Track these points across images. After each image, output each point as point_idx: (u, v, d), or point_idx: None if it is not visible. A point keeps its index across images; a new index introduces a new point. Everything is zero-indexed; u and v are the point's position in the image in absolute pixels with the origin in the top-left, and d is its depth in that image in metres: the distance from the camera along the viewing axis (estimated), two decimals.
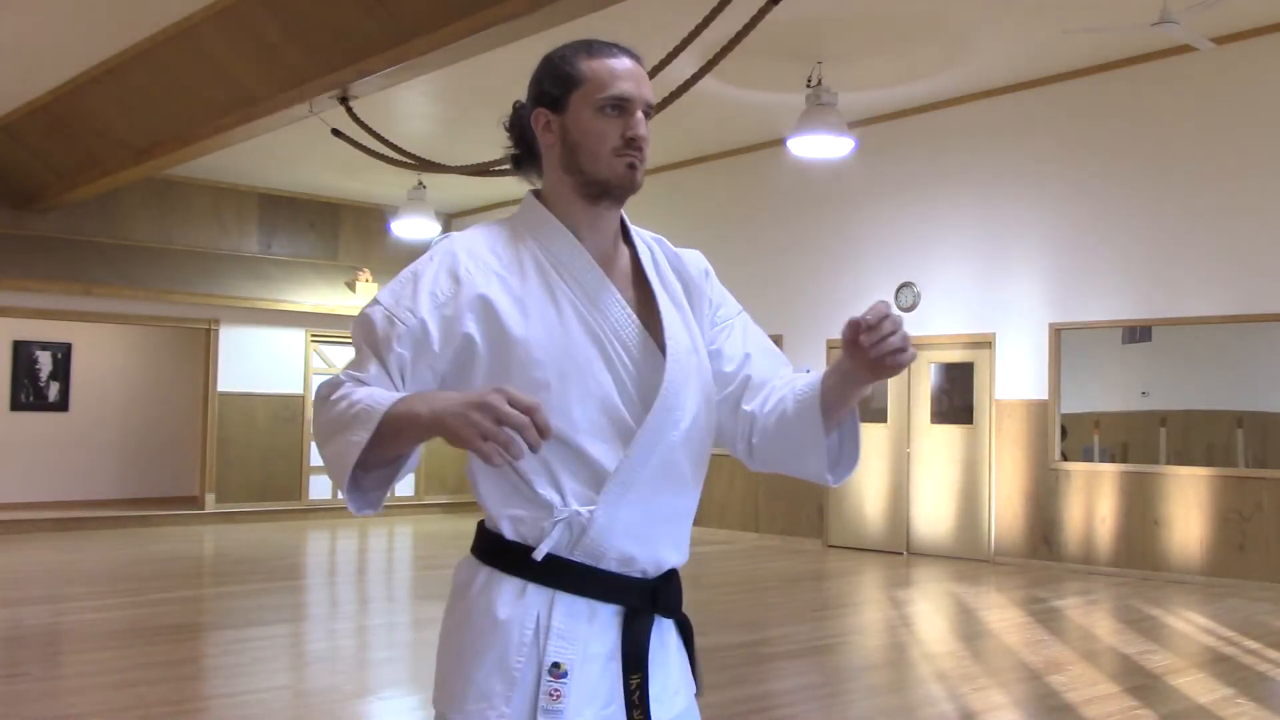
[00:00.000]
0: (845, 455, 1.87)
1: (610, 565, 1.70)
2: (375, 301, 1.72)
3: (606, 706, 1.68)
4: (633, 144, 1.74)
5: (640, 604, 1.73)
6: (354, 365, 1.69)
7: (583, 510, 1.67)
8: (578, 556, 1.68)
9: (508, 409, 1.46)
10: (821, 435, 1.80)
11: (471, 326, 1.68)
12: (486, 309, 1.68)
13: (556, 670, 1.65)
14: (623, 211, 1.86)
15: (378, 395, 1.60)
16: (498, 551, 1.72)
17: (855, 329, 1.65)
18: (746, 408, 1.87)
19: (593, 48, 1.77)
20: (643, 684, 1.69)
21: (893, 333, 1.63)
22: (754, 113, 10.98)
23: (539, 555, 1.66)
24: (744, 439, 1.88)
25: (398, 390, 1.65)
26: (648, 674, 1.70)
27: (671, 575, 1.78)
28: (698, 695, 1.86)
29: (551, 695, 1.65)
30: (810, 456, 1.82)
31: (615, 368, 1.72)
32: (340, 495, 1.68)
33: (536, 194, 1.83)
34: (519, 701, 1.66)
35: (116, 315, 13.21)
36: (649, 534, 1.72)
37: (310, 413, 14.17)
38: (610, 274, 1.78)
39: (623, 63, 1.76)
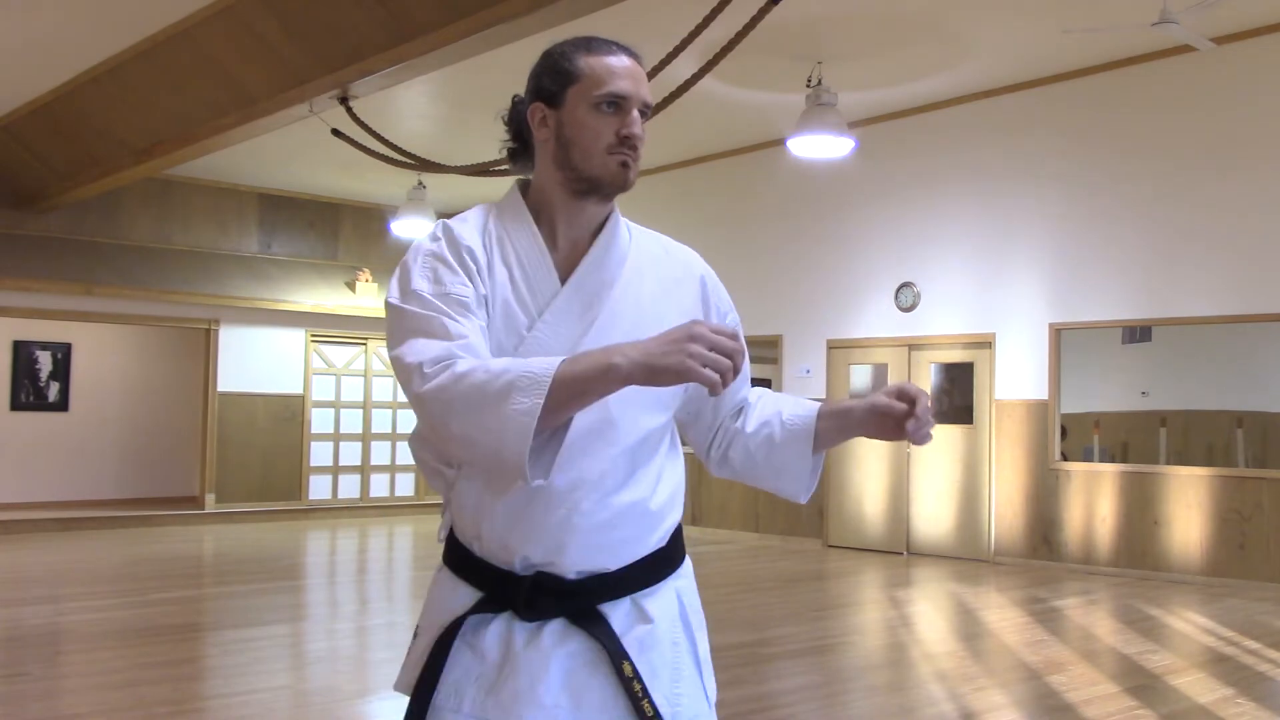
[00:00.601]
0: (813, 478, 1.92)
1: (472, 546, 1.77)
2: (410, 286, 1.69)
3: (415, 670, 1.78)
4: (627, 142, 1.74)
5: (494, 594, 1.74)
6: (441, 335, 1.61)
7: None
8: (455, 532, 1.81)
9: (719, 337, 1.50)
10: (808, 465, 1.88)
11: (485, 289, 1.73)
12: (486, 280, 1.74)
13: (416, 630, 1.84)
14: (616, 206, 1.85)
15: (528, 362, 1.55)
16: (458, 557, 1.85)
17: (903, 415, 1.75)
18: (734, 425, 1.92)
19: (592, 45, 1.78)
20: (438, 656, 1.75)
21: (930, 422, 1.76)
22: (754, 113, 10.98)
23: (440, 535, 1.85)
24: (719, 449, 1.93)
25: (478, 340, 1.64)
26: (450, 647, 1.75)
27: (543, 576, 1.71)
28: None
29: (408, 651, 1.83)
30: (789, 479, 1.90)
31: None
32: (506, 469, 1.56)
33: (524, 186, 1.84)
34: (407, 665, 1.82)
35: (116, 315, 13.21)
36: (496, 521, 1.72)
37: (311, 413, 14.22)
38: (574, 265, 1.78)
39: (621, 61, 1.76)
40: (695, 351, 1.48)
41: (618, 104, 1.74)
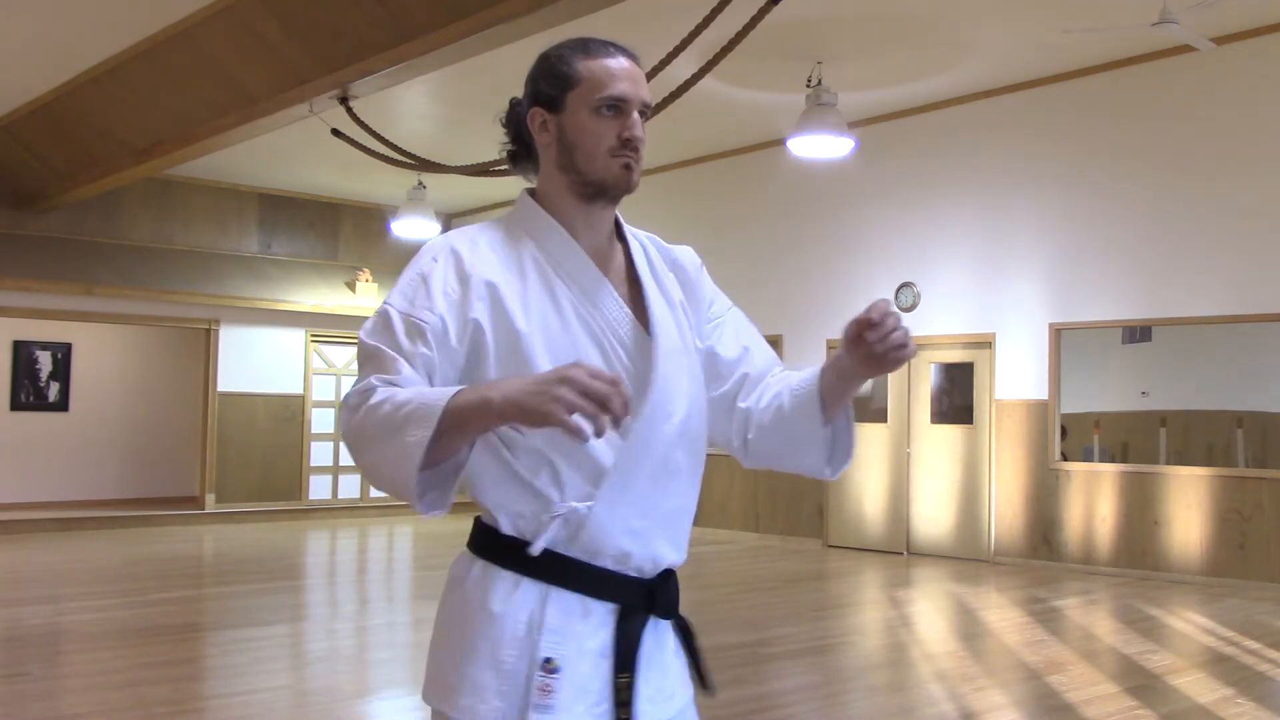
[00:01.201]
0: (840, 449, 1.88)
1: (606, 562, 1.70)
2: (387, 305, 1.69)
3: (598, 705, 1.68)
4: (629, 144, 1.74)
5: (635, 602, 1.73)
6: (378, 369, 1.63)
7: (580, 506, 1.67)
8: (574, 552, 1.69)
9: (591, 381, 1.44)
10: (820, 430, 1.82)
11: (482, 318, 1.68)
12: (494, 304, 1.69)
13: (549, 665, 1.65)
14: (617, 210, 1.86)
15: (428, 393, 1.56)
16: (493, 546, 1.72)
17: (859, 326, 1.68)
18: (742, 405, 1.88)
19: (590, 47, 1.77)
20: (631, 683, 1.69)
21: (895, 329, 1.67)
22: (754, 113, 10.98)
23: (535, 550, 1.66)
24: (739, 436, 1.89)
25: (419, 369, 1.64)
26: (636, 674, 1.70)
27: (669, 575, 1.78)
28: (710, 696, 1.86)
29: (542, 690, 1.64)
30: (808, 451, 1.85)
31: (613, 364, 1.73)
32: (404, 498, 1.59)
33: (532, 193, 1.83)
34: (510, 695, 1.65)
35: (116, 315, 13.21)
36: (646, 531, 1.72)
37: (311, 413, 14.21)
38: (605, 272, 1.78)
39: (620, 62, 1.76)
40: (561, 395, 1.44)
41: (618, 107, 1.74)
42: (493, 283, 1.69)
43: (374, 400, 1.59)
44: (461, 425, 1.53)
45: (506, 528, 1.71)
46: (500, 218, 1.83)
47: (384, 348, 1.65)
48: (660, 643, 1.78)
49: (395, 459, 1.54)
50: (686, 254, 1.94)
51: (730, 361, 1.91)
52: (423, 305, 1.66)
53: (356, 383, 1.65)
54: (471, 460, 1.69)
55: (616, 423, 1.45)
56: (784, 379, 1.88)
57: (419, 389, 1.59)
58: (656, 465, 1.72)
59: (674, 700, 1.79)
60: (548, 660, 1.65)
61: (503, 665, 1.66)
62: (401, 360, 1.63)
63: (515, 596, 1.68)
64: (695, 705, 1.87)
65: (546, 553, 1.67)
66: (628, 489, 1.70)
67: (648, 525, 1.72)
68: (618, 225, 1.86)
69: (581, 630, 1.68)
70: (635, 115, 1.75)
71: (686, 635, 1.84)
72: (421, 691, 1.78)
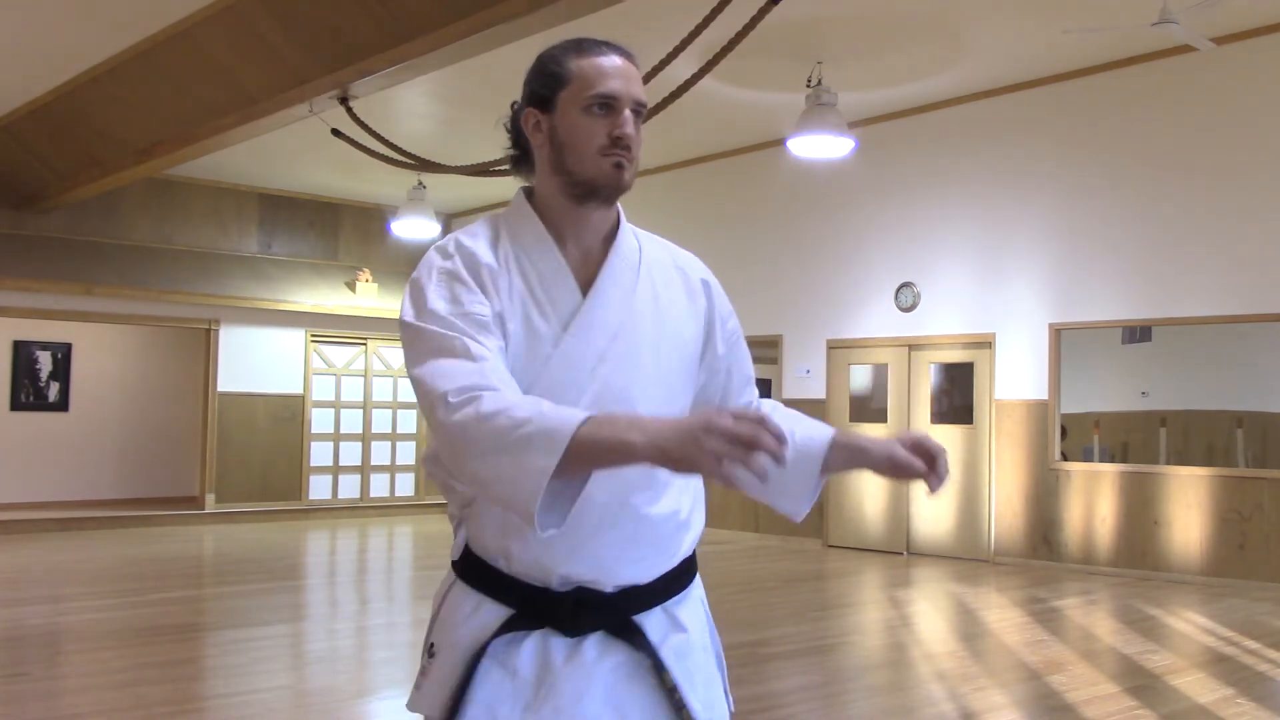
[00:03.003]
0: (812, 498, 1.92)
1: (497, 562, 1.74)
2: (431, 312, 1.65)
3: (447, 691, 1.72)
4: (619, 143, 1.72)
5: (525, 611, 1.71)
6: (460, 354, 1.59)
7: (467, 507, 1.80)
8: (474, 548, 1.77)
9: (737, 427, 1.40)
10: (812, 488, 1.88)
11: (496, 306, 1.69)
12: (495, 293, 1.71)
13: (431, 649, 1.78)
14: (622, 212, 1.85)
15: (550, 416, 1.49)
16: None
17: (922, 471, 1.77)
18: None
19: (583, 46, 1.76)
20: (464, 678, 1.70)
21: (945, 472, 1.79)
22: (754, 113, 10.98)
23: (454, 552, 1.81)
24: None
25: (498, 362, 1.61)
26: (475, 669, 1.69)
27: (583, 591, 1.70)
28: None
29: (421, 671, 1.78)
30: (789, 499, 1.90)
31: (580, 379, 1.70)
32: (519, 516, 1.54)
33: (529, 192, 1.83)
34: (426, 687, 1.76)
35: (116, 315, 13.21)
36: (529, 536, 1.66)
37: (311, 413, 14.21)
38: (590, 272, 1.76)
39: (612, 61, 1.74)
40: (711, 447, 1.40)
41: (609, 105, 1.72)
42: (495, 272, 1.71)
43: (486, 408, 1.53)
44: (592, 458, 1.49)
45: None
46: (497, 214, 1.83)
47: (455, 335, 1.61)
48: (577, 661, 1.70)
49: (514, 479, 1.49)
50: (693, 263, 1.92)
51: (737, 389, 1.92)
52: (473, 301, 1.66)
53: (436, 381, 1.58)
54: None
55: (777, 459, 1.41)
56: (785, 425, 1.82)
57: (536, 406, 1.53)
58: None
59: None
60: (431, 645, 1.78)
61: (423, 645, 1.82)
62: (481, 346, 1.61)
63: (443, 586, 1.83)
64: None
65: (465, 548, 1.78)
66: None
67: (525, 529, 1.62)
68: (621, 227, 1.84)
69: (464, 624, 1.74)
70: (627, 113, 1.73)
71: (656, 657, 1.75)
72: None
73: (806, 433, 1.86)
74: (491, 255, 1.73)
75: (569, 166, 1.73)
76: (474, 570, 1.76)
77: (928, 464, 1.76)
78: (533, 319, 1.70)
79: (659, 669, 1.73)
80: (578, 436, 1.46)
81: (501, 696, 1.69)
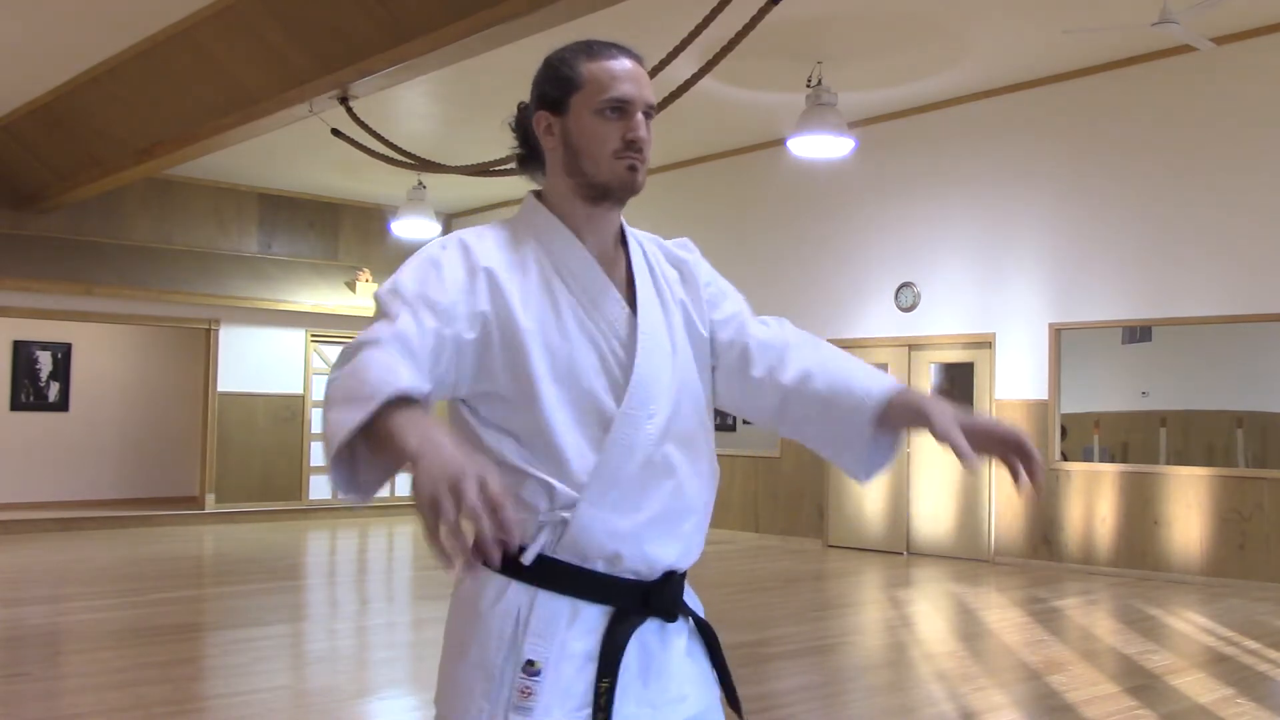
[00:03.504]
0: (885, 460, 1.86)
1: (597, 565, 1.69)
2: (396, 284, 1.67)
3: (579, 709, 1.66)
4: (633, 146, 1.74)
5: (627, 605, 1.71)
6: (388, 318, 1.60)
7: (566, 512, 1.67)
8: (562, 555, 1.68)
9: (475, 498, 1.33)
10: (870, 446, 1.81)
11: (488, 310, 1.68)
12: (497, 297, 1.68)
13: (530, 667, 1.65)
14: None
15: (389, 379, 1.49)
16: None
17: (1015, 453, 1.71)
18: (757, 374, 1.85)
19: (593, 49, 1.77)
20: (610, 688, 1.67)
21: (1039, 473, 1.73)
22: (754, 113, 10.98)
23: (528, 559, 1.66)
24: (772, 408, 1.86)
25: (416, 354, 1.58)
26: (622, 678, 1.68)
27: (670, 576, 1.76)
28: (739, 714, 1.87)
29: (522, 692, 1.64)
30: (851, 457, 1.85)
31: (611, 369, 1.72)
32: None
33: (538, 195, 1.83)
34: (495, 697, 1.65)
35: (116, 315, 13.21)
36: (635, 532, 1.70)
37: (311, 413, 14.21)
38: (610, 274, 1.78)
39: (623, 64, 1.76)
40: (441, 496, 1.33)
41: (621, 109, 1.73)
42: (496, 277, 1.69)
43: (360, 357, 1.54)
44: (384, 441, 1.46)
45: None
46: (507, 219, 1.83)
47: (397, 308, 1.62)
48: (666, 645, 1.76)
49: (333, 427, 1.48)
50: (682, 244, 1.94)
51: (728, 334, 1.89)
52: (436, 288, 1.65)
53: (364, 330, 1.61)
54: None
55: (482, 550, 1.34)
56: (834, 361, 1.85)
57: (392, 367, 1.51)
58: (641, 465, 1.71)
59: (686, 703, 1.77)
60: (530, 662, 1.65)
61: (490, 667, 1.66)
62: (410, 319, 1.60)
63: (504, 599, 1.68)
64: (721, 707, 1.85)
65: (537, 556, 1.68)
66: (610, 491, 1.69)
67: (637, 526, 1.70)
68: (621, 227, 1.86)
69: (567, 633, 1.67)
70: (639, 116, 1.75)
71: (712, 639, 1.84)
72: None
73: (864, 385, 1.80)
74: (502, 257, 1.72)
75: (583, 169, 1.75)
76: (562, 576, 1.69)
77: (1006, 460, 1.71)
78: (585, 324, 1.73)
79: (710, 643, 1.84)
80: (386, 413, 1.44)
81: (628, 696, 1.70)
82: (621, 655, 1.68)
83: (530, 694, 1.64)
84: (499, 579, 1.68)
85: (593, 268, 1.76)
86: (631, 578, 1.72)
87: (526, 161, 1.86)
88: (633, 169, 1.74)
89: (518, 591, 1.68)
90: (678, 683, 1.76)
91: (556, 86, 1.76)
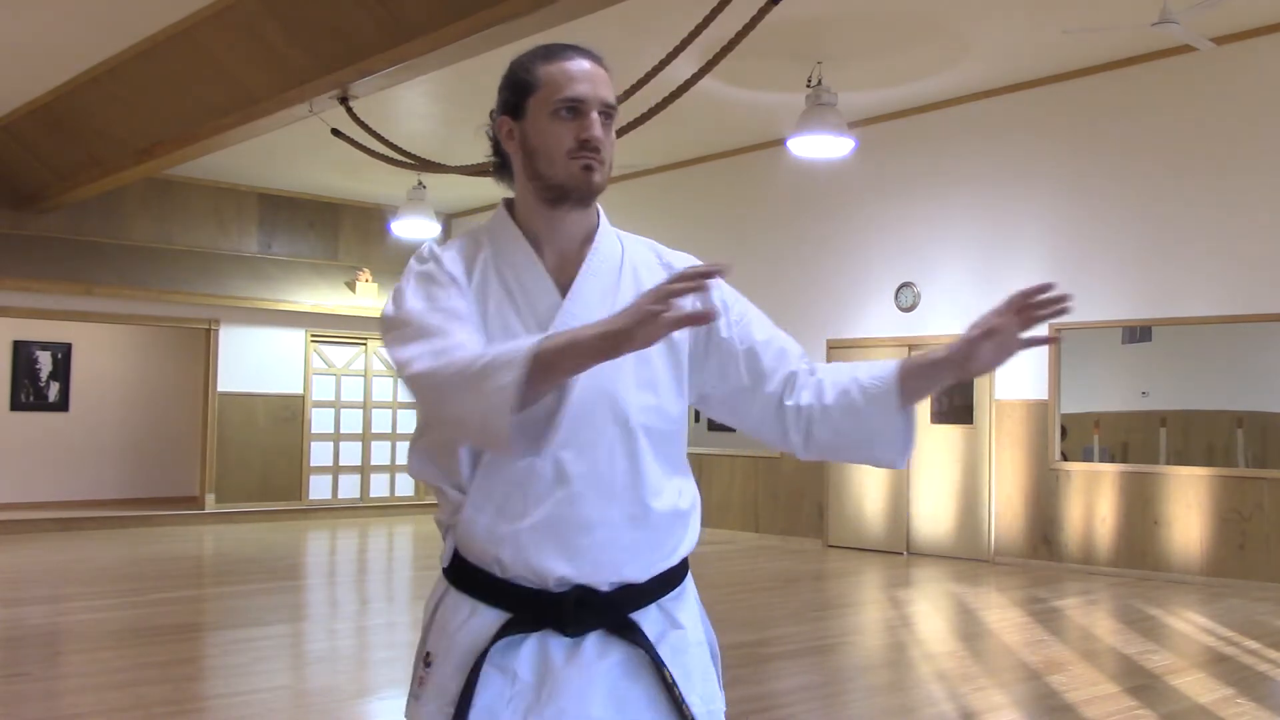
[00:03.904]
0: (908, 439, 1.85)
1: (493, 569, 1.72)
2: (408, 311, 1.70)
3: (447, 706, 1.70)
4: (587, 145, 1.73)
5: (525, 614, 1.70)
6: (429, 331, 1.65)
7: (460, 515, 1.74)
8: (469, 556, 1.75)
9: (668, 285, 1.48)
10: (897, 425, 1.80)
11: (474, 308, 1.75)
12: (469, 300, 1.75)
13: (428, 658, 1.77)
14: (603, 215, 1.85)
15: (505, 345, 1.58)
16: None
17: (1018, 305, 1.71)
18: (790, 402, 1.84)
19: (550, 52, 1.78)
20: (468, 690, 1.68)
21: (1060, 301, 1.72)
22: (754, 113, 10.98)
23: (443, 560, 1.80)
24: (798, 432, 1.84)
25: (468, 339, 1.65)
26: (476, 683, 1.68)
27: (588, 592, 1.70)
28: None
29: (419, 681, 1.76)
30: (880, 444, 1.83)
31: None
32: (497, 446, 1.61)
33: (509, 203, 1.85)
34: (412, 681, 1.79)
35: (116, 315, 13.21)
36: (518, 539, 1.69)
37: (311, 413, 14.22)
38: (571, 276, 1.77)
39: (579, 65, 1.76)
40: (647, 309, 1.46)
41: (575, 108, 1.74)
42: (461, 285, 1.74)
43: (447, 354, 1.61)
44: (551, 365, 1.52)
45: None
46: (477, 228, 1.86)
47: (429, 322, 1.67)
48: (577, 660, 1.70)
49: (485, 406, 1.53)
50: (684, 260, 1.90)
51: (770, 362, 1.86)
52: (443, 298, 1.71)
53: (407, 350, 1.65)
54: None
55: (699, 291, 1.54)
56: (848, 373, 1.84)
57: (494, 345, 1.62)
58: (524, 470, 1.69)
59: None
60: (428, 653, 1.77)
61: (418, 654, 1.82)
62: (453, 327, 1.66)
63: (433, 594, 1.82)
64: None
65: (452, 554, 1.78)
66: (491, 494, 1.71)
67: (517, 532, 1.69)
68: (604, 232, 1.84)
69: (458, 632, 1.73)
70: (594, 116, 1.74)
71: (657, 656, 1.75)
72: None
73: (872, 374, 1.81)
74: (461, 267, 1.76)
75: (540, 171, 1.76)
76: (466, 577, 1.75)
77: (1023, 310, 1.71)
78: (510, 323, 1.73)
79: (657, 666, 1.73)
80: (535, 351, 1.51)
81: (501, 701, 1.69)
82: (481, 663, 1.68)
83: (424, 683, 1.75)
84: (443, 579, 1.82)
85: (533, 263, 1.77)
86: (527, 585, 1.70)
87: (500, 170, 1.87)
88: (588, 169, 1.73)
89: (439, 587, 1.81)
90: (581, 702, 1.69)
91: (515, 91, 1.78)
